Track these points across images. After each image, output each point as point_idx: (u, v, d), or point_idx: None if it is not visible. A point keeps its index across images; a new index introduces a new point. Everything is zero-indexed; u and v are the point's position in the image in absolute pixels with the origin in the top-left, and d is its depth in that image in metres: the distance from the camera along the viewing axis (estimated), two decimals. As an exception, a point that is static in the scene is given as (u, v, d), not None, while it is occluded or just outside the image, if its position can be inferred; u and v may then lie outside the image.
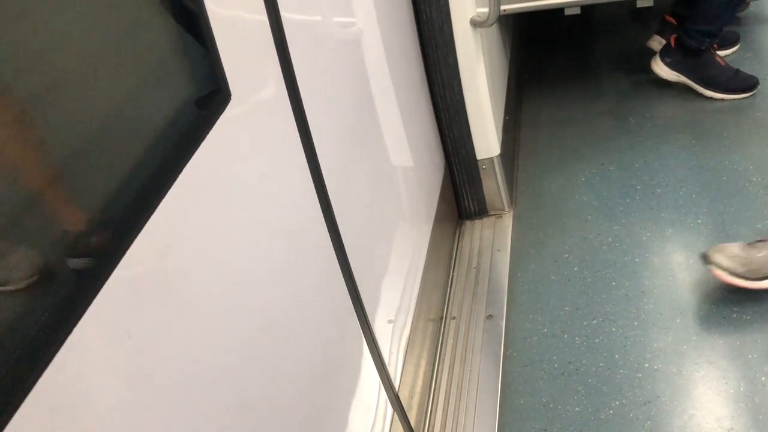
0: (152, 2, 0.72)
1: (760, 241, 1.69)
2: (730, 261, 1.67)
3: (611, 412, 1.55)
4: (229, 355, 0.81)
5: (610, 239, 1.99)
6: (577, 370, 1.65)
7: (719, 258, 1.68)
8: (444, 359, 1.66)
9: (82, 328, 0.56)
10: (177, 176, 0.70)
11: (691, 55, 2.48)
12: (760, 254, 1.65)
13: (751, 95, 2.46)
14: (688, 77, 2.52)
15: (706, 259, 1.70)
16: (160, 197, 0.68)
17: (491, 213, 2.12)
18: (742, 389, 1.55)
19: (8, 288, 0.52)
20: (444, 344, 1.71)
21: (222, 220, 0.82)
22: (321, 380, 1.07)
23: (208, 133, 0.75)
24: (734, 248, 1.69)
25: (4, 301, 0.53)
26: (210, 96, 0.77)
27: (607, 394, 1.58)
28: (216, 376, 0.77)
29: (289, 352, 0.96)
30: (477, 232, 2.07)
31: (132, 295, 0.63)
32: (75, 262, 0.58)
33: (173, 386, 0.70)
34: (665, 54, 2.54)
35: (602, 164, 2.29)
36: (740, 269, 1.66)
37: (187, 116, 0.74)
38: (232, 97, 0.79)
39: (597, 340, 1.71)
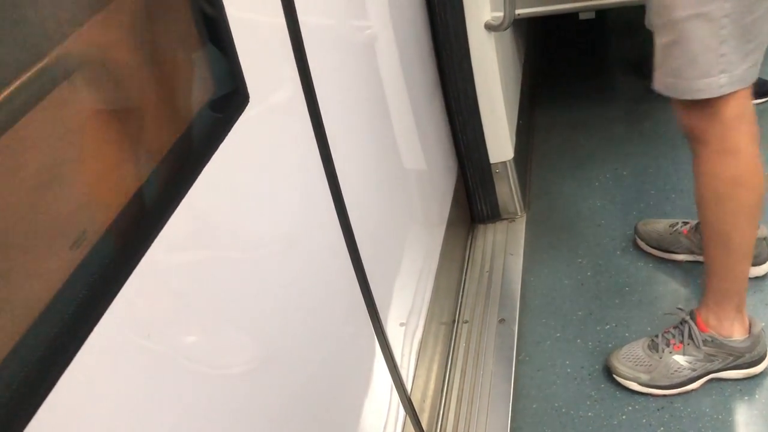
0: (172, 7, 0.73)
1: (663, 333, 1.59)
2: (632, 369, 1.57)
3: (624, 417, 1.54)
4: (243, 355, 0.81)
5: (623, 244, 1.99)
6: (590, 375, 1.65)
7: (621, 368, 1.58)
8: (456, 363, 1.66)
9: (101, 329, 0.57)
10: (196, 178, 0.71)
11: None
12: (661, 359, 1.56)
13: (766, 101, 2.45)
14: (703, 82, 2.50)
15: (610, 368, 1.61)
16: (180, 198, 0.68)
17: (504, 217, 2.12)
18: (756, 396, 1.54)
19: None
20: (456, 348, 1.70)
21: (238, 221, 0.82)
22: (334, 381, 1.07)
23: (227, 134, 0.75)
24: (637, 350, 1.60)
25: (22, 301, 0.53)
26: (228, 98, 0.78)
27: (620, 399, 1.58)
28: (228, 377, 0.78)
29: (303, 352, 0.97)
30: (490, 235, 2.07)
31: (150, 297, 0.64)
32: (94, 264, 0.59)
33: (187, 386, 0.70)
34: (680, 59, 2.53)
35: (616, 169, 2.29)
36: (644, 377, 1.56)
37: (206, 117, 0.75)
38: (250, 99, 0.80)
39: (610, 345, 1.70)
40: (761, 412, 1.51)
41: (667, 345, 1.57)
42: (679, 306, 1.64)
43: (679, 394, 1.55)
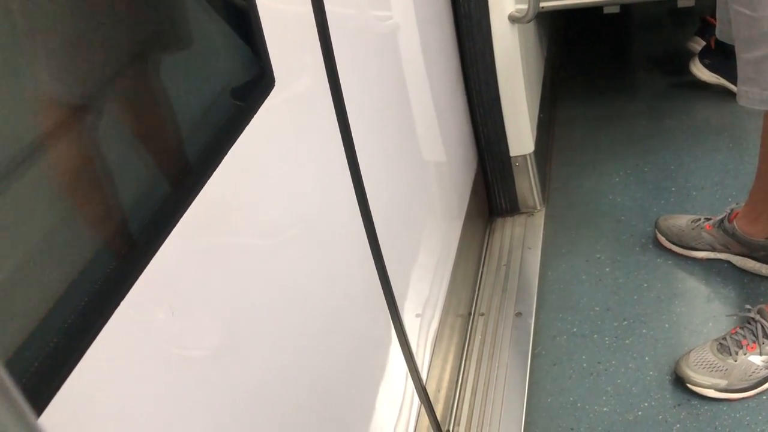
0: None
1: (731, 335, 1.55)
2: (708, 376, 1.52)
3: (640, 413, 1.53)
4: (262, 340, 0.82)
5: (643, 240, 1.98)
6: (606, 370, 1.64)
7: (696, 376, 1.53)
8: (471, 355, 1.66)
9: (124, 308, 0.57)
10: (220, 161, 0.71)
11: (730, 57, 2.44)
12: (736, 361, 1.51)
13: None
14: (727, 79, 2.48)
15: (683, 377, 1.54)
16: (204, 181, 0.69)
17: (523, 210, 2.11)
18: (774, 396, 1.53)
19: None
20: (472, 340, 1.71)
21: (260, 207, 0.83)
22: (351, 367, 1.08)
23: (252, 118, 0.76)
24: (706, 354, 1.56)
25: (48, 276, 0.54)
26: (254, 82, 0.78)
27: (636, 395, 1.57)
28: (245, 361, 0.78)
29: (321, 338, 0.97)
30: (508, 229, 2.06)
31: (172, 280, 0.65)
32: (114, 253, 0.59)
33: (206, 367, 0.71)
34: (704, 55, 2.50)
35: (637, 165, 2.27)
36: (722, 383, 1.51)
37: (231, 101, 0.75)
38: (275, 84, 0.80)
39: (627, 341, 1.69)
40: (779, 412, 1.50)
41: (740, 347, 1.54)
42: (747, 305, 1.60)
43: (755, 396, 1.52)
